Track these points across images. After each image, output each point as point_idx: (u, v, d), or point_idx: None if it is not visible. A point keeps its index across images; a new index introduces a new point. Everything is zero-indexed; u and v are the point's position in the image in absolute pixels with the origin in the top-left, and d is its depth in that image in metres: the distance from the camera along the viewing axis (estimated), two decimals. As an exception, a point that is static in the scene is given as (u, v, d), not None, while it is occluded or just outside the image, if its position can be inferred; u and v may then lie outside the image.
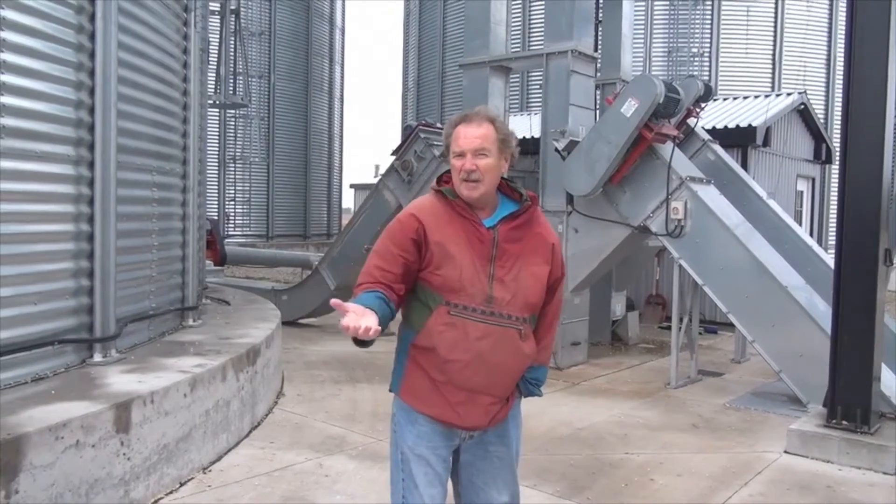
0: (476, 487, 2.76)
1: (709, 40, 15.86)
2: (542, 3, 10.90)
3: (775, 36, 16.00)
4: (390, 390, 2.75)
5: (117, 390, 4.36)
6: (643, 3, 15.66)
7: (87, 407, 3.99)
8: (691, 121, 8.80)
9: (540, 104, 9.16)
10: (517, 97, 16.91)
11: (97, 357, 5.01)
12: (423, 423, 2.64)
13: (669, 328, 8.32)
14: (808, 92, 13.37)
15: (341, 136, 28.95)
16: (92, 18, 4.96)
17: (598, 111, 9.25)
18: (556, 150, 8.29)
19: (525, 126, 12.17)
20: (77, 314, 4.93)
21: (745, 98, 12.96)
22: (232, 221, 23.15)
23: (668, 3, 15.95)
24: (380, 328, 2.33)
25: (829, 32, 16.50)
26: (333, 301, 2.32)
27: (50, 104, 4.67)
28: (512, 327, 2.59)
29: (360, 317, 2.28)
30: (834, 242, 5.80)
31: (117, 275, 5.12)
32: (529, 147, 9.65)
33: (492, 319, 2.55)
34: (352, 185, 24.93)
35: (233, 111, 22.02)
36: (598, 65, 9.45)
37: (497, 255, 2.58)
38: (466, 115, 2.61)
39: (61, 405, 4.00)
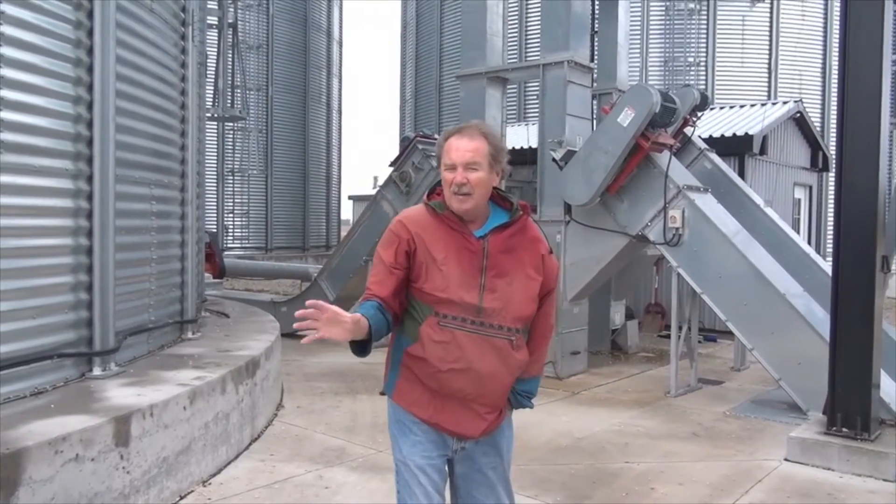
0: (473, 498, 2.76)
1: (705, 49, 15.92)
2: (539, 13, 10.97)
3: (771, 45, 16.06)
4: (382, 393, 2.79)
5: (117, 404, 4.36)
6: (639, 13, 15.74)
7: (87, 421, 3.99)
8: (688, 130, 8.83)
9: (537, 114, 9.19)
10: (514, 107, 16.96)
11: (96, 370, 5.01)
12: (417, 433, 2.66)
13: (669, 337, 8.33)
14: (804, 100, 13.42)
15: (339, 148, 28.99)
16: (90, 33, 4.99)
17: (594, 121, 9.29)
18: (554, 160, 8.31)
19: (522, 136, 12.22)
20: (76, 328, 4.93)
21: (742, 107, 13.00)
22: (231, 234, 23.14)
23: (663, 12, 16.02)
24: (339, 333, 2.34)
25: (825, 41, 16.57)
26: (310, 301, 2.31)
27: (48, 119, 4.69)
28: (503, 338, 2.60)
29: (328, 323, 2.29)
30: (831, 250, 5.81)
31: (116, 288, 5.13)
32: (527, 157, 9.68)
33: (482, 330, 2.57)
34: (350, 197, 24.87)
35: (231, 124, 22.04)
36: (595, 75, 9.49)
37: (488, 266, 2.59)
38: (460, 128, 2.62)
39: (61, 419, 4.00)
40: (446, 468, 2.74)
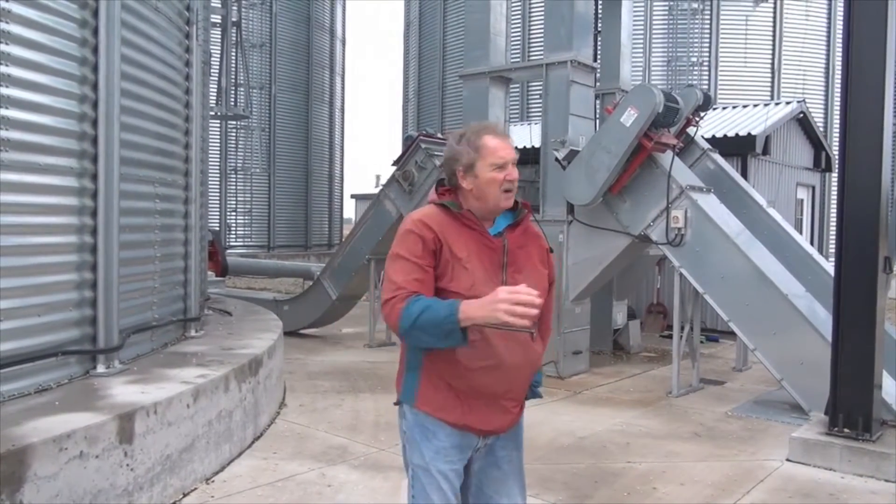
0: (486, 496, 2.76)
1: (708, 49, 15.92)
2: (542, 13, 10.98)
3: (774, 45, 16.06)
4: (397, 402, 2.71)
5: (121, 401, 4.37)
6: (642, 13, 15.74)
7: (91, 418, 4.00)
8: (691, 130, 8.83)
9: (540, 114, 9.20)
10: (517, 107, 16.97)
11: (100, 368, 5.03)
12: (442, 438, 2.62)
13: (671, 337, 8.33)
14: (807, 100, 13.41)
15: (342, 147, 29.02)
16: (95, 32, 5.01)
17: (597, 121, 9.30)
18: (557, 159, 8.32)
19: (525, 136, 12.20)
20: (80, 325, 4.95)
21: (745, 107, 13.00)
22: (233, 232, 23.19)
23: (667, 12, 16.02)
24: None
25: (828, 41, 16.57)
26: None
27: (54, 117, 4.71)
28: (526, 331, 2.61)
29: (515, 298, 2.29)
30: (834, 250, 5.82)
31: (120, 286, 5.14)
32: (530, 157, 9.68)
33: (507, 325, 2.59)
34: (353, 196, 24.88)
35: (234, 122, 22.09)
36: (598, 74, 9.50)
37: (508, 263, 2.63)
38: (489, 127, 2.69)
39: (65, 416, 4.02)
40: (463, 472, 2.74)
